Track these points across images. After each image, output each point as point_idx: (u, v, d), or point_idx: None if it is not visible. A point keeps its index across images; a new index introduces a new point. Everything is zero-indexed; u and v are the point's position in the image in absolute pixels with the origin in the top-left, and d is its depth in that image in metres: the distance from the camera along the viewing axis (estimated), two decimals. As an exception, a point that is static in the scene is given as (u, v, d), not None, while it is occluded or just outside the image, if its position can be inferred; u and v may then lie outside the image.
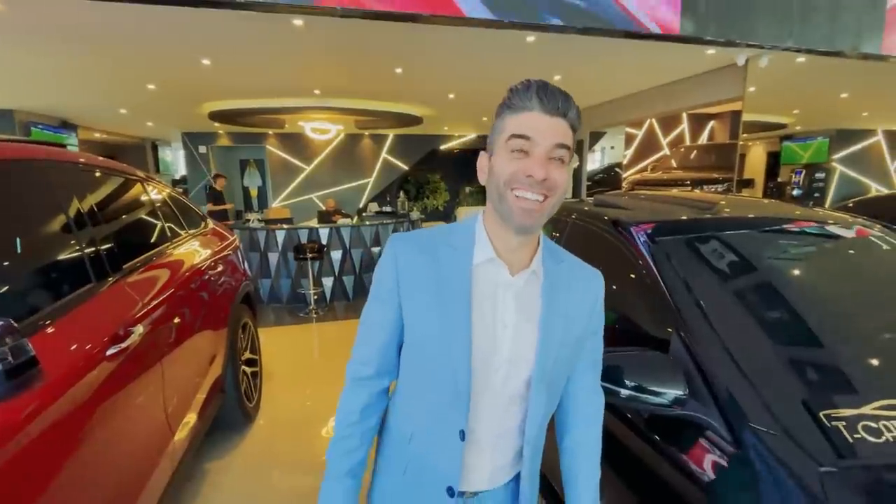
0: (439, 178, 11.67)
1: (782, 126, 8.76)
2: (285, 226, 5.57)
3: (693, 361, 1.11)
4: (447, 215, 11.53)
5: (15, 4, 2.88)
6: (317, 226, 5.60)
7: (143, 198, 2.15)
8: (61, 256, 1.37)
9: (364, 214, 7.56)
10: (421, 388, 0.81)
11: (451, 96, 6.08)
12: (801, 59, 4.09)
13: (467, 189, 11.76)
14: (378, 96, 6.20)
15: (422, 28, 3.35)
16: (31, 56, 4.05)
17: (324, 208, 7.53)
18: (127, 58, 4.14)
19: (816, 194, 9.09)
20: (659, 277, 1.34)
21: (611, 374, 1.12)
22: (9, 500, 0.87)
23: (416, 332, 0.78)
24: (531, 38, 3.60)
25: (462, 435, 0.77)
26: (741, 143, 4.81)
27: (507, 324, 0.76)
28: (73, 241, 1.42)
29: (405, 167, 10.78)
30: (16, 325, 0.67)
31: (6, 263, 1.16)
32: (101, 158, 1.90)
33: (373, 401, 0.84)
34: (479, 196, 11.69)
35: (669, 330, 1.22)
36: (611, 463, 1.31)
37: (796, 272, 1.53)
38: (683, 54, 4.21)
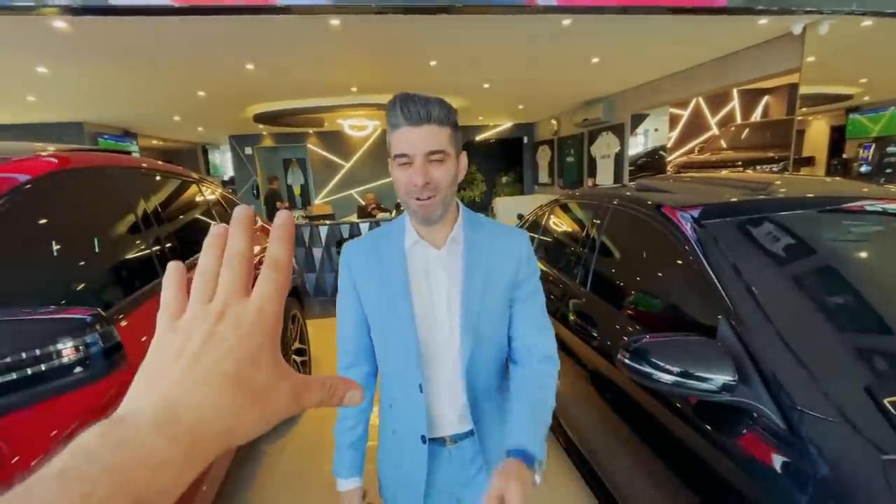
0: (475, 169, 11.62)
1: (848, 97, 8.04)
2: (328, 222, 5.76)
3: (743, 347, 1.08)
4: (484, 207, 11.49)
5: (79, 26, 3.13)
6: (357, 221, 5.75)
7: (199, 198, 2.30)
8: (132, 255, 1.50)
9: (402, 208, 7.66)
10: (387, 359, 0.98)
11: (486, 86, 6.03)
12: (868, 22, 3.74)
13: (504, 179, 11.65)
14: (413, 90, 6.19)
15: (455, 19, 3.34)
16: (96, 72, 4.39)
17: (363, 203, 7.70)
18: (179, 68, 4.39)
19: (889, 170, 8.31)
20: (706, 262, 1.30)
21: (654, 360, 1.10)
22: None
23: (373, 313, 0.95)
24: (567, 21, 3.51)
25: (420, 388, 0.91)
26: (800, 118, 4.49)
27: (440, 289, 0.91)
28: (141, 240, 1.55)
29: (441, 160, 10.81)
30: (104, 314, 0.76)
31: (89, 261, 1.29)
32: (160, 163, 2.05)
33: (364, 384, 0.99)
34: (516, 186, 11.55)
35: (717, 315, 1.19)
36: (655, 449, 1.29)
37: (860, 254, 1.43)
38: (732, 26, 3.96)
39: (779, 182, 1.90)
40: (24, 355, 0.68)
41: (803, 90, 4.21)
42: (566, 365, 1.93)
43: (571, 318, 1.87)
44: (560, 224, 2.56)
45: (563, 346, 1.95)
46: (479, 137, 10.83)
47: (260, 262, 0.29)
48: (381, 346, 0.98)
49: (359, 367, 1.01)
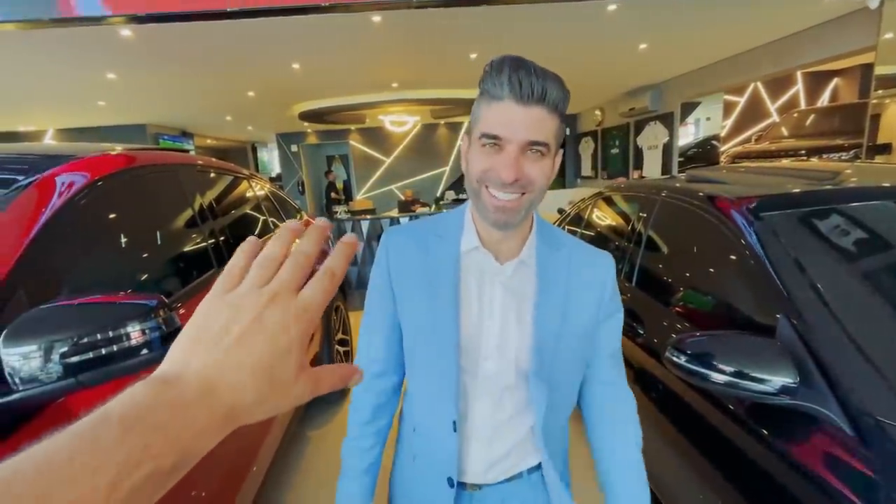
0: (516, 162, 11.46)
1: (932, 77, 7.28)
2: (369, 216, 5.89)
3: (805, 347, 1.01)
4: (525, 200, 11.32)
5: (141, 33, 3.35)
6: (397, 215, 5.84)
7: (250, 193, 2.42)
8: (190, 247, 1.60)
9: (441, 202, 7.72)
10: (419, 379, 0.80)
11: (527, 77, 5.93)
12: (959, -8, 3.37)
13: (545, 173, 11.42)
14: (453, 84, 6.24)
15: (496, 9, 3.30)
16: (157, 77, 4.69)
17: (403, 198, 7.81)
18: (231, 70, 4.62)
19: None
20: (764, 257, 1.22)
21: (706, 358, 1.05)
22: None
23: (409, 322, 0.78)
24: (612, 6, 3.38)
25: (454, 426, 0.75)
26: (875, 101, 4.10)
27: (494, 314, 0.73)
28: (198, 233, 1.65)
29: (481, 154, 10.76)
30: (167, 300, 0.82)
31: (153, 253, 1.39)
32: (214, 160, 2.17)
33: (383, 400, 0.84)
34: (558, 178, 11.30)
35: (775, 314, 1.12)
36: (704, 451, 1.24)
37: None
38: (796, 2, 3.67)
39: (848, 171, 1.75)
40: (98, 336, 0.75)
41: (880, 70, 3.84)
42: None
43: (615, 314, 1.82)
44: (604, 217, 2.49)
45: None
46: (519, 130, 10.65)
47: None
48: (413, 363, 0.80)
49: (389, 377, 0.84)
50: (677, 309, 1.54)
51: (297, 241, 0.32)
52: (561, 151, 0.71)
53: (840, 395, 0.92)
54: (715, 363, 1.04)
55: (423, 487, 0.81)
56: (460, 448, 0.77)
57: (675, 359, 1.12)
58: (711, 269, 1.47)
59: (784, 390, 0.97)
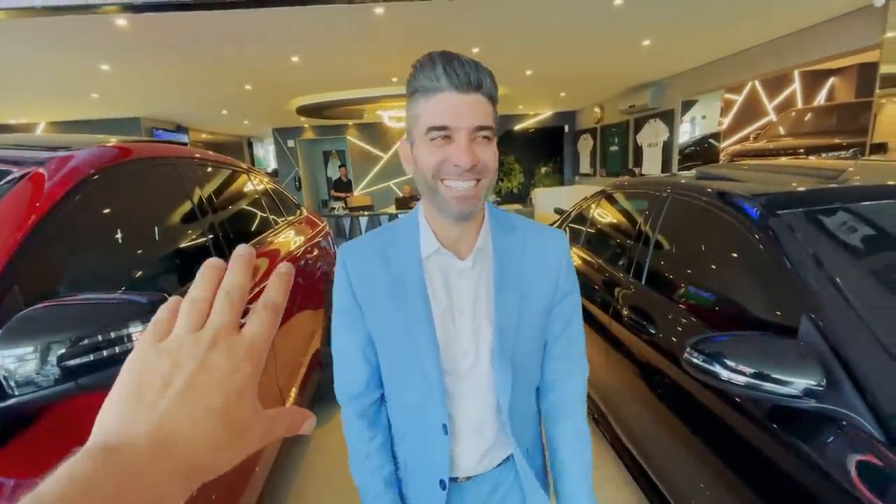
0: (513, 159, 11.44)
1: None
2: (367, 212, 5.84)
3: (830, 348, 0.98)
4: (522, 197, 11.31)
5: (137, 23, 3.27)
6: (395, 211, 5.80)
7: (249, 188, 2.36)
8: (190, 242, 1.55)
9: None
10: (399, 389, 0.80)
11: (529, 73, 5.89)
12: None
13: (542, 170, 11.41)
14: (453, 79, 6.18)
15: (499, 4, 3.25)
16: (152, 69, 4.60)
17: (401, 195, 7.76)
18: (229, 62, 4.54)
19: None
20: (784, 255, 1.19)
21: (725, 359, 1.02)
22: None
23: (383, 336, 0.77)
24: (619, 1, 3.34)
25: (444, 429, 0.76)
26: (870, 101, 4.10)
27: (464, 308, 0.74)
28: (198, 227, 1.60)
29: (479, 150, 10.70)
30: (167, 296, 0.78)
31: (151, 248, 1.34)
32: (211, 153, 2.11)
33: (371, 415, 0.83)
34: (556, 176, 11.29)
35: (796, 313, 1.09)
36: (720, 454, 1.21)
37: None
38: (799, 1, 3.65)
39: (853, 169, 1.73)
40: (99, 337, 0.70)
41: (885, 69, 3.83)
42: (616, 360, 1.85)
43: (625, 312, 1.79)
44: (609, 215, 2.46)
45: (614, 342, 1.87)
46: (518, 127, 10.63)
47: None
48: (390, 374, 0.80)
49: (371, 394, 0.82)
50: (691, 308, 1.51)
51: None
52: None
53: (868, 398, 0.89)
54: (735, 364, 1.02)
55: (415, 489, 0.83)
56: (452, 448, 0.79)
57: (693, 359, 1.09)
58: (727, 268, 1.44)
59: (808, 393, 0.95)
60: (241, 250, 0.30)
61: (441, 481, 0.78)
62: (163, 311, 0.28)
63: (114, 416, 0.23)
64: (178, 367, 0.25)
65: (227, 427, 0.24)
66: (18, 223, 0.90)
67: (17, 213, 0.91)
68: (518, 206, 10.09)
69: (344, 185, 9.34)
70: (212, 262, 0.30)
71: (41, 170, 1.02)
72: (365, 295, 0.75)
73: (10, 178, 0.97)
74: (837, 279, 1.09)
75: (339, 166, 9.80)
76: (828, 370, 0.95)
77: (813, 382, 0.94)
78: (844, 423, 0.92)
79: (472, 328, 0.75)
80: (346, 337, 0.79)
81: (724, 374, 1.02)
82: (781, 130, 6.50)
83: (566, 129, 10.67)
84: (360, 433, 0.83)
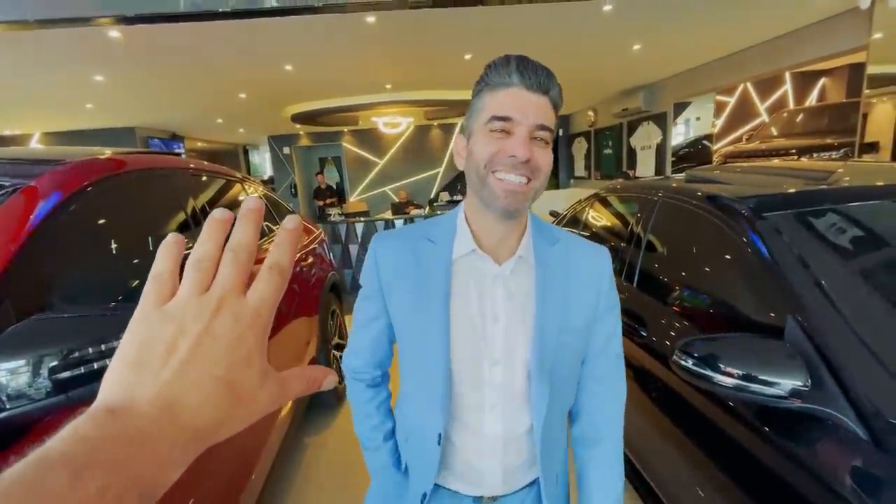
0: (509, 163, 11.46)
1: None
2: (363, 219, 5.84)
3: (815, 349, 1.00)
4: (518, 201, 11.32)
5: (130, 33, 3.29)
6: (391, 217, 5.81)
7: (243, 196, 2.37)
8: (185, 252, 1.56)
9: (435, 204, 7.69)
10: (411, 389, 0.80)
11: (521, 78, 5.92)
12: (947, -8, 3.41)
13: (539, 173, 11.43)
14: (447, 85, 6.22)
15: (491, 10, 3.28)
16: (146, 78, 4.61)
17: (397, 200, 7.77)
18: (223, 71, 4.56)
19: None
20: (769, 257, 1.21)
21: (713, 361, 1.04)
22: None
23: (400, 331, 0.77)
24: (608, 6, 3.38)
25: (439, 439, 0.74)
26: (862, 101, 4.15)
27: (499, 317, 0.71)
28: (193, 238, 1.60)
29: (475, 155, 10.73)
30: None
31: (146, 260, 1.35)
32: (205, 163, 2.12)
33: (377, 384, 0.86)
34: (551, 180, 11.31)
35: (782, 314, 1.10)
36: (710, 454, 1.22)
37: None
38: (788, 3, 3.70)
39: (842, 170, 1.75)
40: (90, 350, 0.71)
41: (871, 70, 3.88)
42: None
43: (617, 315, 1.80)
44: (602, 218, 2.48)
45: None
46: (512, 131, 10.65)
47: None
48: (406, 372, 0.80)
49: (373, 370, 0.85)
50: (680, 310, 1.53)
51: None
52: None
53: (852, 398, 0.91)
54: (723, 366, 1.03)
55: (406, 498, 0.81)
56: (473, 462, 0.76)
57: (682, 362, 1.11)
58: (715, 270, 1.46)
59: (794, 393, 0.96)
60: (251, 203, 0.28)
61: (424, 494, 0.77)
62: (162, 263, 0.27)
63: (118, 382, 0.23)
64: (183, 334, 0.24)
65: (231, 395, 0.24)
66: (11, 236, 0.90)
67: (10, 226, 0.92)
68: (552, 225, 10.10)
69: (324, 192, 8.67)
70: (218, 214, 0.28)
71: (34, 183, 1.03)
72: (389, 287, 0.75)
73: (3, 191, 0.98)
74: (823, 280, 1.11)
75: (317, 173, 9.24)
76: (813, 370, 0.97)
77: (798, 383, 0.96)
78: (830, 422, 0.93)
79: (504, 339, 0.71)
80: (363, 321, 0.81)
81: (713, 375, 1.04)
82: (774, 131, 6.56)
83: (560, 132, 10.73)
84: (361, 394, 0.85)
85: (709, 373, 1.04)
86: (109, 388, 0.23)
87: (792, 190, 1.48)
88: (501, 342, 0.71)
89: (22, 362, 0.72)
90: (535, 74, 0.63)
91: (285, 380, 0.27)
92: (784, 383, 0.97)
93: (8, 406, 0.69)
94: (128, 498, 0.19)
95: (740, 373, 1.01)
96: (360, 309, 0.81)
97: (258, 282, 0.27)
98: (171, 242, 0.27)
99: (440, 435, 0.74)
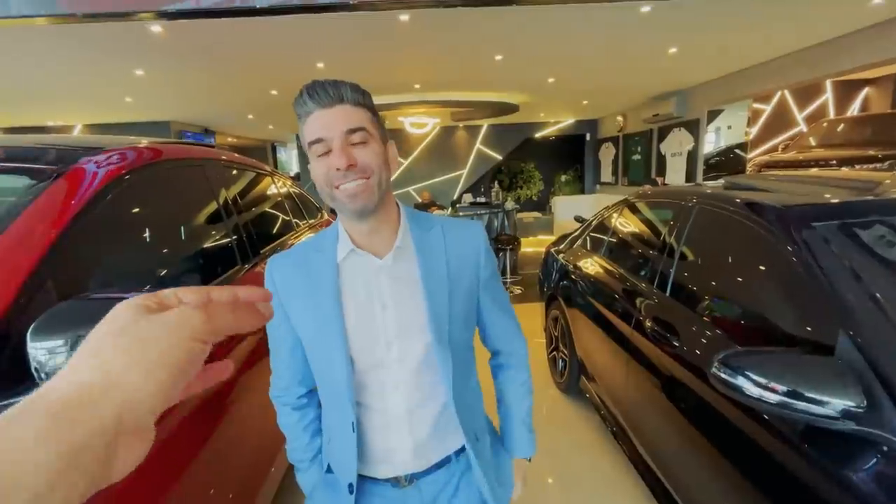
0: (533, 167, 11.38)
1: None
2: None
3: (871, 368, 0.93)
4: (541, 205, 11.23)
5: (173, 30, 3.38)
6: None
7: (272, 190, 2.40)
8: (215, 241, 1.58)
9: (458, 206, 7.67)
10: (324, 390, 0.86)
11: (551, 80, 5.86)
12: None
13: (563, 178, 11.32)
14: (476, 86, 6.20)
15: (524, 10, 3.25)
16: (183, 74, 4.75)
17: (420, 201, 7.78)
18: (256, 67, 4.65)
19: None
20: (818, 268, 1.14)
21: (756, 376, 0.98)
22: (203, 432, 1.03)
23: (304, 337, 0.83)
24: (646, 8, 3.30)
25: (353, 427, 0.80)
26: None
27: (387, 303, 0.78)
28: (223, 228, 1.63)
29: (499, 157, 10.70)
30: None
31: (179, 247, 1.37)
32: (236, 155, 2.16)
33: (302, 405, 0.92)
34: (576, 185, 11.18)
35: (831, 330, 1.04)
36: (747, 473, 1.16)
37: None
38: (837, 8, 3.54)
39: (889, 181, 1.65)
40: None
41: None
42: (637, 372, 1.80)
43: (647, 324, 1.74)
44: (631, 225, 2.41)
45: (635, 353, 1.83)
46: (538, 134, 10.58)
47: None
48: (316, 377, 0.87)
49: (296, 389, 0.90)
50: (719, 321, 1.46)
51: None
52: (392, 143, 0.80)
53: (912, 423, 0.84)
54: (766, 381, 0.97)
55: (335, 495, 0.86)
56: (371, 444, 0.83)
57: (721, 374, 1.05)
58: (756, 281, 1.39)
59: (846, 414, 0.90)
60: (254, 294, 0.33)
61: (350, 485, 0.82)
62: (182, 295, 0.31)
63: (85, 361, 0.26)
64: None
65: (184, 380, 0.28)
66: (54, 220, 0.92)
67: (53, 209, 0.94)
68: (537, 214, 10.02)
69: None
70: (226, 297, 0.32)
71: (75, 169, 1.05)
72: (289, 301, 0.82)
73: (47, 175, 1.01)
74: (877, 294, 1.04)
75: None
76: (868, 390, 0.91)
77: (852, 403, 0.90)
78: (886, 448, 0.87)
79: (396, 322, 0.79)
80: (275, 344, 0.89)
81: (755, 390, 0.98)
82: (812, 141, 6.30)
83: (588, 137, 10.57)
84: (287, 417, 0.92)
85: (750, 387, 0.99)
86: (83, 368, 0.26)
87: (840, 199, 1.40)
88: (394, 325, 0.79)
89: (60, 342, 0.73)
90: (323, 91, 0.69)
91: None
92: (835, 403, 0.91)
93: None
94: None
95: (785, 389, 0.95)
96: (270, 333, 0.88)
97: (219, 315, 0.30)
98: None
99: (353, 424, 0.80)
